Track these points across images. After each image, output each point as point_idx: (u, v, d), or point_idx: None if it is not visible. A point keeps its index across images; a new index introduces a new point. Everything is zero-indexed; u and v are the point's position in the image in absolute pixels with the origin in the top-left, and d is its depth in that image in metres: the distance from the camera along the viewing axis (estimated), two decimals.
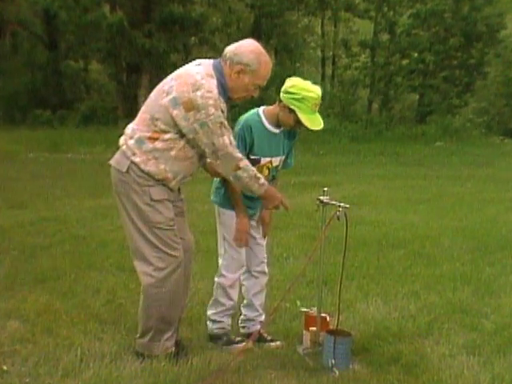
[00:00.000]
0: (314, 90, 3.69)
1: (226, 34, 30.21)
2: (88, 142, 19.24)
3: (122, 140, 3.56)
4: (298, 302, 4.49)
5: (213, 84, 3.34)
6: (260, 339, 3.94)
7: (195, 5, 25.98)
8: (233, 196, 3.82)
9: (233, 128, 3.65)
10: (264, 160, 3.82)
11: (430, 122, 26.42)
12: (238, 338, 4.00)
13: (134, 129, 3.52)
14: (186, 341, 3.89)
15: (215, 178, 3.90)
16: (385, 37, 29.20)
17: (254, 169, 3.47)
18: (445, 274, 5.77)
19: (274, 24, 28.74)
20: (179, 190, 3.67)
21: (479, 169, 15.86)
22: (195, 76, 3.36)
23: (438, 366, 3.67)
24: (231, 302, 3.95)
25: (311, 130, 3.77)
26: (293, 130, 3.88)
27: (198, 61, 3.52)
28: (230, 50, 3.45)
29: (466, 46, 27.96)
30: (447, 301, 4.92)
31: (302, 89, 3.67)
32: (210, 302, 4.00)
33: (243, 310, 4.13)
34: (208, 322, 4.01)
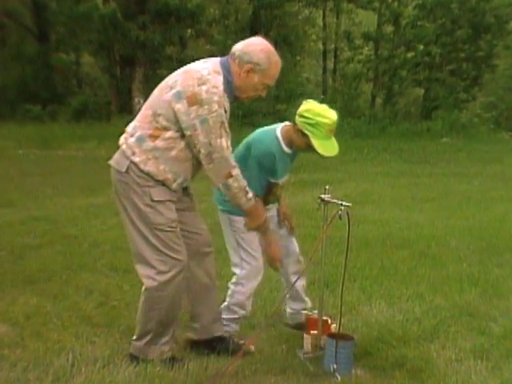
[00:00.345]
0: (329, 116, 3.70)
1: (223, 25, 30.22)
2: (80, 138, 19.25)
3: (122, 139, 3.56)
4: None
5: (219, 80, 3.36)
6: None
7: None
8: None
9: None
10: (282, 180, 3.91)
11: (436, 118, 26.46)
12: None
13: (135, 126, 3.53)
14: (182, 345, 3.89)
15: None
16: (389, 29, 29.23)
17: (244, 181, 3.47)
18: (451, 275, 5.77)
19: (273, 15, 28.74)
20: (186, 188, 3.68)
21: (487, 166, 15.87)
22: (202, 71, 3.39)
23: (444, 371, 3.66)
24: (243, 312, 3.99)
25: (325, 156, 3.78)
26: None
27: (205, 59, 3.56)
28: (238, 48, 3.48)
29: (474, 38, 27.99)
30: (454, 303, 4.92)
31: (317, 114, 3.69)
32: (222, 305, 4.01)
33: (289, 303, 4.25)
34: None
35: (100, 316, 4.44)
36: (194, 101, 3.31)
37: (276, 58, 3.49)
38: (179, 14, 24.57)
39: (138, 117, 3.56)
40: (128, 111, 24.03)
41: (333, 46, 32.58)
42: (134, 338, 3.64)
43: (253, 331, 4.19)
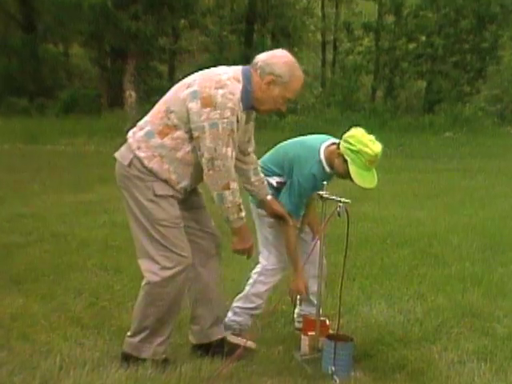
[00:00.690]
0: (372, 148, 3.73)
1: (218, 16, 30.21)
2: (69, 133, 19.21)
3: (130, 132, 3.62)
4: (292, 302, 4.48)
5: (237, 88, 3.41)
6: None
7: None
8: (289, 252, 3.98)
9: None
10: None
11: (439, 111, 26.48)
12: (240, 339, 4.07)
13: (146, 121, 3.59)
14: (174, 346, 3.89)
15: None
16: (390, 19, 29.25)
17: (240, 197, 3.50)
18: (453, 274, 5.78)
19: (270, 5, 28.74)
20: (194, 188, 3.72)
21: (491, 161, 15.89)
22: (222, 75, 3.45)
23: (447, 374, 3.67)
24: (260, 302, 4.09)
25: (361, 187, 3.84)
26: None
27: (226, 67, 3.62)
28: (261, 58, 3.51)
29: (479, 29, 27.99)
30: (456, 303, 4.93)
31: (360, 142, 3.74)
32: (241, 294, 4.14)
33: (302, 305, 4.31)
34: (229, 312, 4.14)
35: (89, 317, 4.44)
36: (208, 102, 3.35)
37: (299, 72, 3.53)
38: (172, 3, 24.53)
39: (151, 112, 3.62)
40: (119, 105, 24.01)
41: (332, 37, 32.60)
42: (129, 334, 3.65)
43: (248, 332, 4.20)
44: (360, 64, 29.41)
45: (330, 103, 26.61)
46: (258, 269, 4.13)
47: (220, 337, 3.85)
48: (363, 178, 3.77)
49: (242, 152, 3.72)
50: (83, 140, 18.25)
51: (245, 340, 3.78)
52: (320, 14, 32.58)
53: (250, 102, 3.48)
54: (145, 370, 3.48)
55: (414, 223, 8.08)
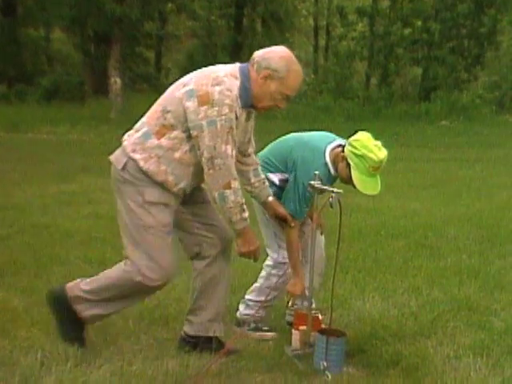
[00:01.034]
0: (376, 153, 3.75)
1: (206, 0, 30.07)
2: (51, 121, 19.12)
3: (125, 135, 3.65)
4: (287, 299, 4.49)
5: (235, 85, 3.45)
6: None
7: None
8: (290, 255, 3.98)
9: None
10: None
11: (435, 99, 26.47)
12: (266, 327, 4.17)
13: (143, 122, 3.64)
14: (161, 342, 3.89)
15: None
16: (385, 3, 29.18)
17: (242, 197, 3.53)
18: (450, 267, 5.81)
19: None
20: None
21: (489, 150, 15.95)
22: (218, 72, 3.50)
23: (442, 369, 3.69)
24: (275, 293, 4.14)
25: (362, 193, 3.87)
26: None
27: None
28: (258, 54, 3.57)
29: (477, 13, 27.96)
30: (452, 297, 4.96)
31: (364, 146, 3.76)
32: (253, 287, 4.20)
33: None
34: (240, 305, 4.23)
35: None
36: (205, 100, 3.39)
37: (296, 66, 3.55)
38: None
39: (148, 113, 3.66)
40: (104, 92, 23.88)
41: (324, 22, 32.54)
42: (85, 285, 3.69)
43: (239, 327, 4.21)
44: (354, 50, 29.35)
45: (322, 90, 26.57)
46: (269, 262, 4.16)
47: (218, 335, 3.86)
48: (365, 184, 3.81)
49: (241, 153, 3.74)
50: (66, 128, 18.18)
51: (264, 334, 4.03)
52: None
53: (248, 99, 3.51)
54: (130, 367, 3.48)
55: (409, 214, 8.11)
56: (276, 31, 30.49)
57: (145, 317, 4.33)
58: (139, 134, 3.56)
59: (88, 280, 3.72)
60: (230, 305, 4.27)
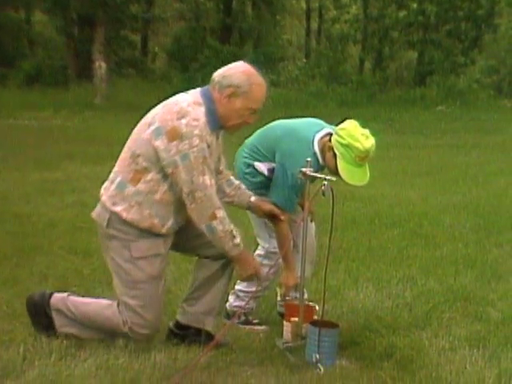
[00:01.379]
0: (362, 142, 3.73)
1: None
2: (33, 106, 19.04)
3: (102, 189, 3.68)
4: (278, 290, 4.50)
5: (200, 112, 3.47)
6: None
7: None
8: (281, 248, 3.95)
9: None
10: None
11: (431, 84, 26.54)
12: (256, 320, 4.20)
13: (115, 171, 3.66)
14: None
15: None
16: None
17: (231, 224, 3.54)
18: (445, 256, 5.83)
19: None
20: None
21: (486, 136, 16.00)
22: (181, 104, 3.51)
23: (437, 361, 3.70)
24: (266, 283, 4.12)
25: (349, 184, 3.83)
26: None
27: (185, 92, 3.66)
28: (218, 73, 3.57)
29: None
30: (448, 287, 4.97)
31: (350, 135, 3.74)
32: None
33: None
34: (230, 297, 4.22)
35: None
36: (173, 135, 3.40)
37: (258, 79, 3.56)
38: None
39: (118, 161, 3.67)
40: (88, 76, 23.74)
41: (317, 4, 32.43)
42: (70, 300, 3.75)
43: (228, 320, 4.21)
44: (347, 33, 29.33)
45: (314, 75, 26.52)
46: (260, 251, 4.16)
47: (209, 329, 3.86)
48: (352, 174, 3.78)
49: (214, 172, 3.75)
50: (49, 114, 18.08)
51: (255, 327, 4.05)
52: None
53: (216, 121, 3.53)
54: (116, 360, 3.48)
55: (403, 202, 8.12)
56: (267, 14, 30.37)
57: None
58: (114, 185, 3.59)
59: (78, 301, 3.77)
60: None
